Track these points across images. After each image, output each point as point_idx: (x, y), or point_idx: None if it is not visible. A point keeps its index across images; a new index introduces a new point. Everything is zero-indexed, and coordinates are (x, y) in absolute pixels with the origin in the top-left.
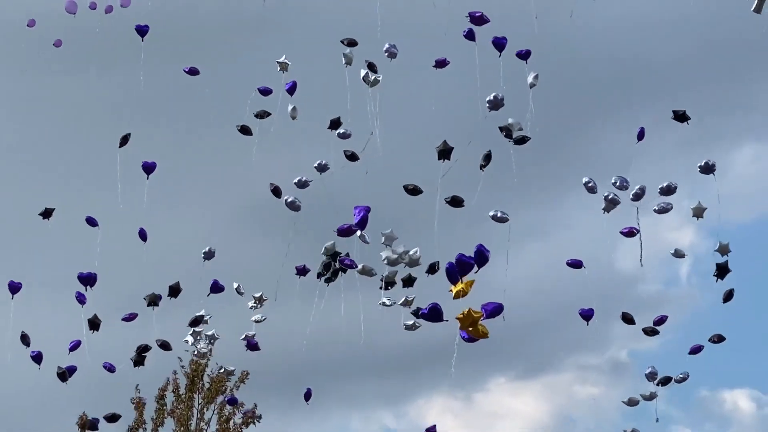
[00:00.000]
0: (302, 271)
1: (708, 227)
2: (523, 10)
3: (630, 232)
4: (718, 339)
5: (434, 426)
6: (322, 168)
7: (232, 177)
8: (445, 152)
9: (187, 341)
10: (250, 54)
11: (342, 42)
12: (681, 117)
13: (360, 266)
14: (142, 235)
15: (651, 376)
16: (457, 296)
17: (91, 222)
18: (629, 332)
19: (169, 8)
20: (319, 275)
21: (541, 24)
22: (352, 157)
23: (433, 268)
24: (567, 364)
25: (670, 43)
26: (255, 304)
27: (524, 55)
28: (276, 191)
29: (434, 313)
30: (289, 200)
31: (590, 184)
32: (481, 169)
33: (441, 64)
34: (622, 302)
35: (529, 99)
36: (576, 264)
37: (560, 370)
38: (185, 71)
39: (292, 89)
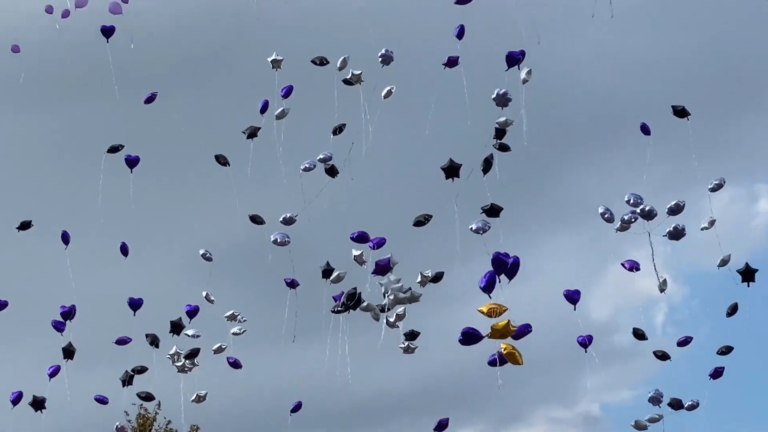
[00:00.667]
0: (292, 284)
1: (684, 275)
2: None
3: (633, 267)
4: (726, 350)
5: (446, 419)
6: (287, 221)
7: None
8: (452, 170)
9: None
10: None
11: (313, 61)
12: (680, 112)
13: (366, 303)
14: (123, 249)
15: (655, 400)
16: (490, 315)
17: (65, 238)
18: (601, 384)
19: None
20: (340, 308)
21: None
22: (331, 171)
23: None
24: (537, 417)
25: (647, 81)
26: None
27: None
28: (255, 219)
29: (470, 338)
30: (278, 240)
31: (606, 215)
32: (483, 173)
33: (452, 63)
34: (595, 352)
35: (522, 97)
36: (572, 297)
37: (531, 423)
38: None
39: (287, 94)
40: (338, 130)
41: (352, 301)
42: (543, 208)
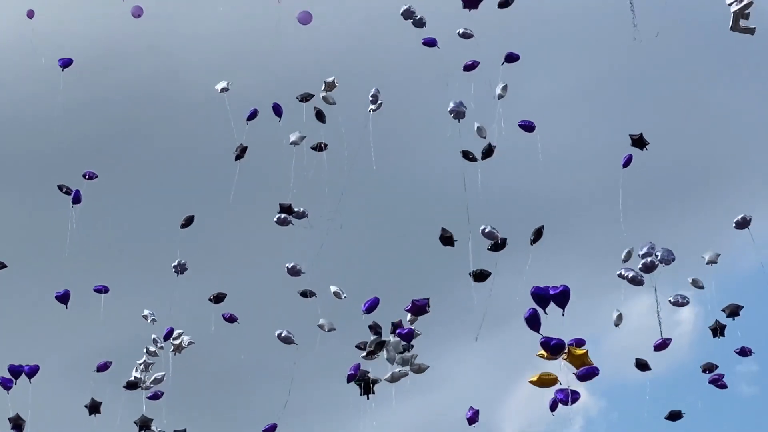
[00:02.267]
0: (230, 319)
1: (600, 388)
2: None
3: (662, 344)
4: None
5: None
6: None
7: None
8: (447, 239)
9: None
10: None
11: (297, 98)
12: (638, 142)
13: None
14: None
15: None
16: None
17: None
18: None
19: None
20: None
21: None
22: (293, 212)
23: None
24: None
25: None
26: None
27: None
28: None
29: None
30: (282, 335)
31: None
32: (531, 244)
33: (470, 67)
34: None
35: (497, 111)
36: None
37: None
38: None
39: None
40: (320, 147)
41: (381, 348)
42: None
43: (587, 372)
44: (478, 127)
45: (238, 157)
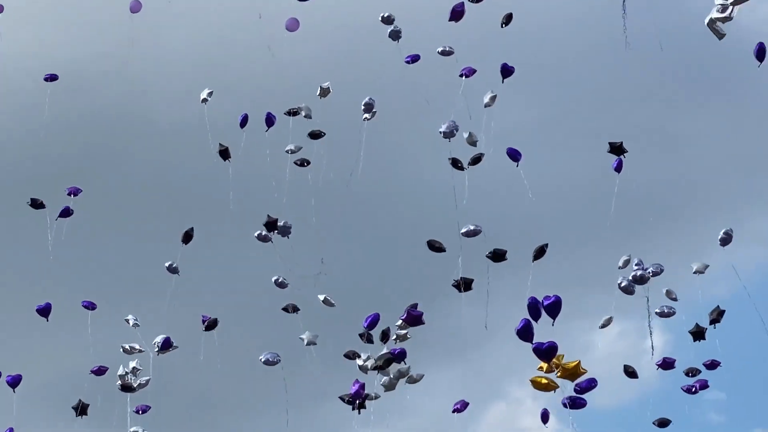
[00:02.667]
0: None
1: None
2: None
3: (664, 363)
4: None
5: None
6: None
7: None
8: (436, 248)
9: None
10: None
11: (309, 135)
12: (617, 149)
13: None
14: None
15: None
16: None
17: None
18: None
19: None
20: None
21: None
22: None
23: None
24: None
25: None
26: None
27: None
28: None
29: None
30: (263, 360)
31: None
32: (533, 260)
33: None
34: None
35: (483, 120)
36: None
37: None
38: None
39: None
40: (303, 163)
41: (390, 364)
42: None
43: (587, 385)
44: (469, 134)
45: (222, 154)
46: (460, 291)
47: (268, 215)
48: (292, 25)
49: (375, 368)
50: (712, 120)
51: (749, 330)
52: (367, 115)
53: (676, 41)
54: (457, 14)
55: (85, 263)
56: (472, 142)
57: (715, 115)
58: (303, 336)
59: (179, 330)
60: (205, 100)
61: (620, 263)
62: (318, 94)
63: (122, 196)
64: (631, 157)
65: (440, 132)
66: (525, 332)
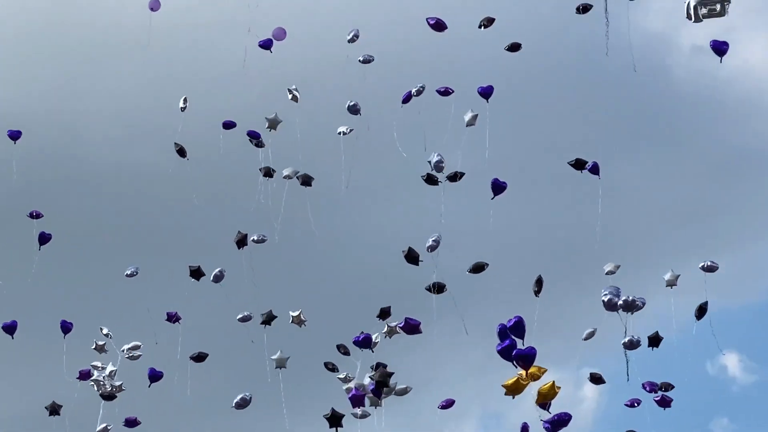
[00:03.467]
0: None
1: None
2: None
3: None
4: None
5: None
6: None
7: None
8: (412, 258)
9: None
10: None
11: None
12: (578, 165)
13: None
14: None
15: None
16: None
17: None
18: None
19: None
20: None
21: None
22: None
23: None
24: None
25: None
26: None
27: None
28: None
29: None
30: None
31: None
32: (535, 295)
33: (445, 93)
34: None
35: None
36: None
37: None
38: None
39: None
40: (267, 172)
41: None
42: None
43: (560, 419)
44: (437, 161)
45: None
46: (432, 292)
47: (239, 231)
48: (280, 35)
49: (377, 386)
50: (647, 168)
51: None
52: (343, 128)
53: (611, 91)
54: (439, 26)
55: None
56: (438, 167)
57: (651, 164)
58: (273, 357)
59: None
60: (183, 108)
61: (608, 268)
62: (290, 97)
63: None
64: (567, 204)
65: (429, 161)
66: (506, 353)
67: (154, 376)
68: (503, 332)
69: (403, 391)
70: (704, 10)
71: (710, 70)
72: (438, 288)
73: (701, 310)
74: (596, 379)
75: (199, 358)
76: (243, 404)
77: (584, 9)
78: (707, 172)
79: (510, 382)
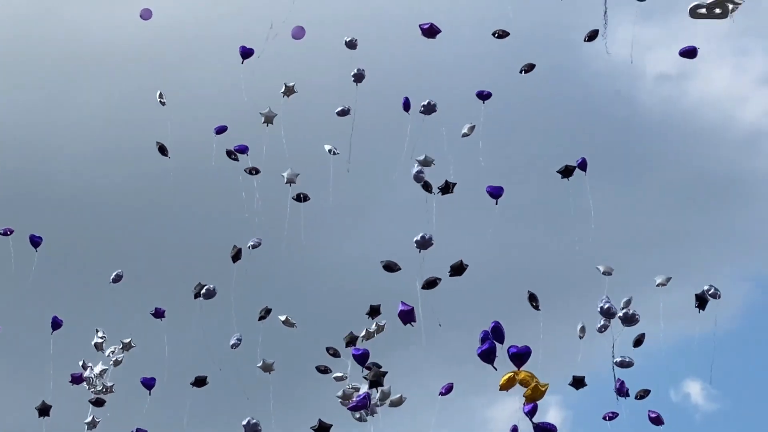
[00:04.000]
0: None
1: None
2: None
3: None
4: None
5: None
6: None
7: None
8: (376, 381)
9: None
10: None
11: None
12: (566, 172)
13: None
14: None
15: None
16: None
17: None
18: None
19: None
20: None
21: None
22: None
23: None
24: None
25: None
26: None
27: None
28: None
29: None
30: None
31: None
32: (536, 309)
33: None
34: None
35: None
36: None
37: None
38: None
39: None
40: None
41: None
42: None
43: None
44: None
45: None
46: (425, 288)
47: (234, 245)
48: (298, 33)
49: (371, 385)
50: (610, 195)
51: None
52: (327, 146)
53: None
54: (430, 32)
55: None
56: (426, 162)
57: (614, 191)
58: (259, 365)
59: None
60: (162, 103)
61: (602, 269)
62: (282, 91)
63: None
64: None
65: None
66: (486, 355)
67: (147, 383)
68: (484, 338)
69: (398, 402)
70: (702, 10)
71: (675, 98)
72: (430, 284)
73: (638, 342)
74: (578, 381)
75: (199, 382)
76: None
77: (591, 37)
78: (672, 199)
79: (504, 379)
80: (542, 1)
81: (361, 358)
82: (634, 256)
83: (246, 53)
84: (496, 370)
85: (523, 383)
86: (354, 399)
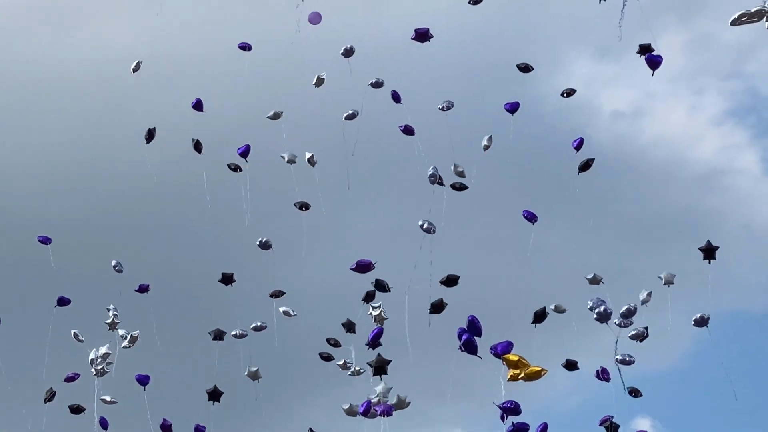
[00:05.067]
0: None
1: None
2: None
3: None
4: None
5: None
6: None
7: None
8: (380, 368)
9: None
10: None
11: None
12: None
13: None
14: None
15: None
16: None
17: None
18: None
19: None
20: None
21: None
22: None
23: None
24: None
25: None
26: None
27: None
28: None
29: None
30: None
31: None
32: (533, 324)
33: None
34: None
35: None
36: None
37: None
38: None
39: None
40: (303, 207)
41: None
42: None
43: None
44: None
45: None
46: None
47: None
48: (315, 19)
49: (376, 372)
50: (563, 232)
51: None
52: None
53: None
54: (422, 36)
55: None
56: (458, 173)
57: (568, 227)
58: (248, 371)
59: None
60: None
61: (590, 277)
62: (314, 82)
63: None
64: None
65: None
66: (468, 345)
67: (142, 380)
68: (461, 333)
69: (402, 404)
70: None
71: (630, 135)
72: (437, 308)
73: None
74: (571, 365)
75: (214, 395)
76: None
77: (568, 94)
78: (625, 236)
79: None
80: (497, 36)
81: (375, 338)
82: (588, 293)
83: (243, 48)
84: (480, 359)
85: (529, 376)
86: (359, 408)
